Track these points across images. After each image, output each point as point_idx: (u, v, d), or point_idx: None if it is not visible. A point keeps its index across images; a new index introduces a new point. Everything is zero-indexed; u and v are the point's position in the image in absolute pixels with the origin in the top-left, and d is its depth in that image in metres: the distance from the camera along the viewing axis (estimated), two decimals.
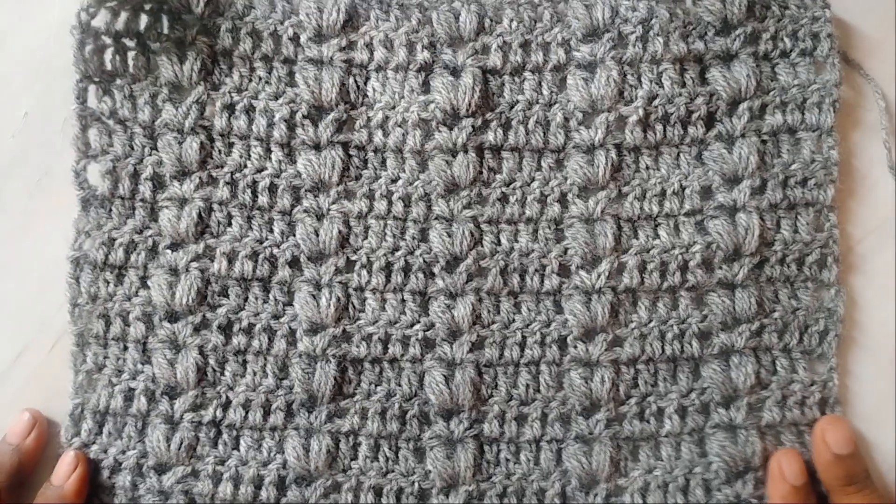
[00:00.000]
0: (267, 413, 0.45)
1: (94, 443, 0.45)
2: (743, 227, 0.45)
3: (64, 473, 0.44)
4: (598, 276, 0.45)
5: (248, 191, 0.46)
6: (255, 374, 0.45)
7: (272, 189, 0.46)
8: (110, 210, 0.45)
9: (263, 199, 0.46)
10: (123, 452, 0.45)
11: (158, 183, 0.46)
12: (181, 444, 0.44)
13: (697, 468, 0.45)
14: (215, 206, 0.46)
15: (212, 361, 0.45)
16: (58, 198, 0.47)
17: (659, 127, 0.46)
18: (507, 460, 0.45)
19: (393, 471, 0.45)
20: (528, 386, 0.45)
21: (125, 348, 0.45)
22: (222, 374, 0.45)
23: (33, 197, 0.48)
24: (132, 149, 0.46)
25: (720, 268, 0.45)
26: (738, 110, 0.46)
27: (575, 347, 0.45)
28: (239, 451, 0.45)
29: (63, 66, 0.46)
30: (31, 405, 0.47)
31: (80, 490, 0.44)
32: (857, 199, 0.48)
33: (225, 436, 0.45)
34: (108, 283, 0.45)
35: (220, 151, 0.46)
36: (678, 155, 0.46)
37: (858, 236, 0.47)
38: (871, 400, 0.46)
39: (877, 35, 0.48)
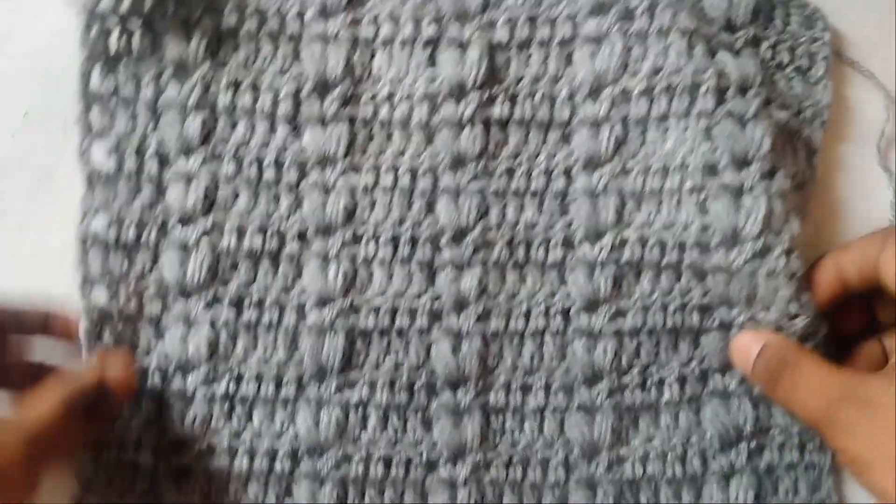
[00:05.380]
0: (279, 386, 0.46)
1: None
2: (747, 209, 0.45)
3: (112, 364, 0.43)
4: (601, 248, 0.46)
5: (254, 166, 0.46)
6: (266, 347, 0.46)
7: (278, 164, 0.46)
8: (117, 188, 0.46)
9: (269, 174, 0.46)
10: (145, 428, 0.45)
11: (164, 160, 0.46)
12: (195, 418, 0.45)
13: (694, 437, 0.46)
14: (221, 182, 0.46)
15: (223, 336, 0.46)
16: (58, 198, 0.47)
17: (664, 98, 0.46)
18: (513, 430, 0.46)
19: (402, 441, 0.46)
20: (532, 356, 0.46)
21: (138, 327, 0.46)
22: (234, 348, 0.46)
23: (33, 197, 0.48)
24: (135, 127, 0.46)
25: (717, 251, 0.45)
26: (748, 94, 0.45)
27: (579, 318, 0.46)
28: (252, 423, 0.46)
29: (63, 66, 0.46)
30: None
31: (130, 383, 0.44)
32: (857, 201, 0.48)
33: (238, 409, 0.46)
34: (120, 261, 0.46)
35: (223, 128, 0.46)
36: (686, 128, 0.46)
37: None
38: None
39: (877, 35, 0.48)
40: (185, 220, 0.46)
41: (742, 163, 0.45)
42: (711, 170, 0.46)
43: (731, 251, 0.45)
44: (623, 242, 0.46)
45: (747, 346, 0.44)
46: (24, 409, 0.41)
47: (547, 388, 0.46)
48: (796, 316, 0.43)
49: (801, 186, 0.46)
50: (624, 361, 0.46)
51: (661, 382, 0.46)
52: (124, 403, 0.45)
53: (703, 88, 0.46)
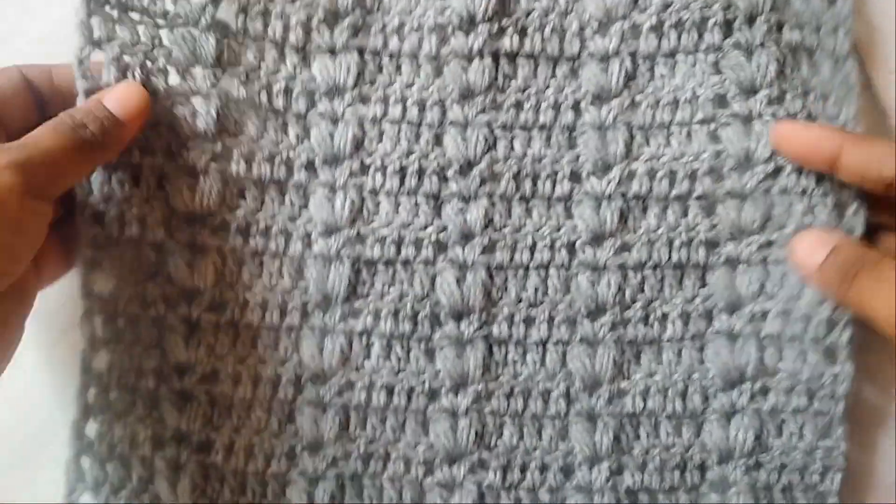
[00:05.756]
0: (283, 314, 0.46)
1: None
2: (757, 133, 0.45)
3: (127, 101, 0.42)
4: (609, 182, 0.46)
5: (264, 93, 0.46)
6: (271, 275, 0.46)
7: (287, 92, 0.46)
8: None
9: (278, 102, 0.46)
10: (147, 352, 0.46)
11: (168, 77, 0.45)
12: (199, 344, 0.46)
13: (696, 374, 0.46)
14: (231, 106, 0.46)
15: (230, 263, 0.46)
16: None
17: (673, 34, 0.46)
18: (515, 362, 0.46)
19: (404, 370, 0.46)
20: (536, 289, 0.46)
21: (141, 251, 0.45)
22: (240, 275, 0.46)
23: None
24: (140, 40, 0.45)
25: (729, 177, 0.45)
26: (756, 23, 0.45)
27: (583, 252, 0.46)
28: (256, 350, 0.46)
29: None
30: (32, 405, 0.47)
31: (141, 111, 0.43)
32: None
33: (243, 336, 0.46)
34: (124, 184, 0.45)
35: (234, 52, 0.46)
36: (695, 63, 0.46)
37: None
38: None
39: (877, 35, 0.48)
40: (194, 145, 0.45)
41: (750, 91, 0.45)
42: (721, 101, 0.46)
43: (744, 175, 0.45)
44: (631, 175, 0.46)
45: (816, 243, 0.43)
46: (23, 139, 0.39)
47: (550, 320, 0.46)
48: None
49: (826, 97, 0.45)
50: (627, 296, 0.46)
51: (664, 318, 0.46)
52: (137, 132, 0.43)
53: (710, 23, 0.46)
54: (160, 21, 0.45)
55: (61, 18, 0.45)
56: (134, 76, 0.44)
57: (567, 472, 0.46)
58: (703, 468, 0.46)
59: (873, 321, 0.41)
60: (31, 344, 0.45)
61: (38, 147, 0.39)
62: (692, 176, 0.46)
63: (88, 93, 0.43)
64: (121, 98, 0.43)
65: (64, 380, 0.47)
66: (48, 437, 0.47)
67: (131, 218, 0.45)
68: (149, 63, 0.44)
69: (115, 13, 0.45)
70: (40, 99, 0.43)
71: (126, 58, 0.44)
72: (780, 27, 0.46)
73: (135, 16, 0.45)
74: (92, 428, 0.45)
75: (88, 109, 0.41)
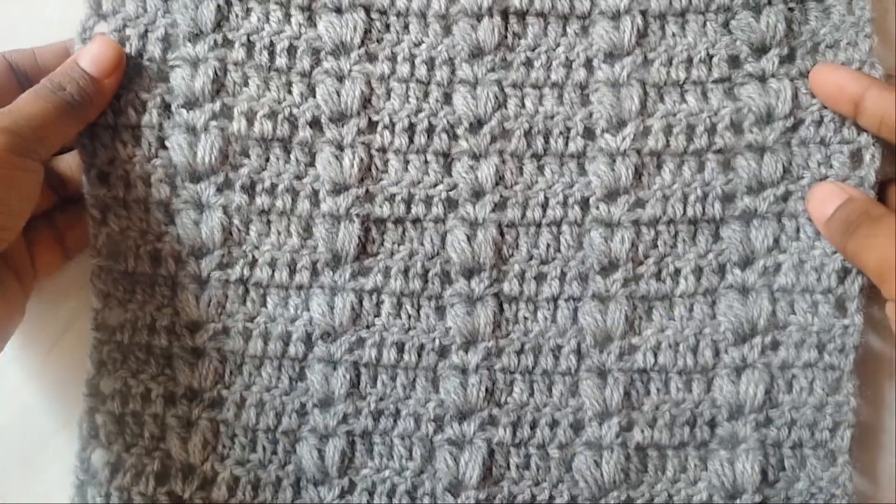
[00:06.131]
0: (293, 272, 0.46)
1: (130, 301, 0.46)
2: (775, 91, 0.45)
3: (100, 58, 0.44)
4: (623, 138, 0.46)
5: (265, 52, 0.46)
6: (279, 233, 0.46)
7: (291, 51, 0.46)
8: None
9: (281, 61, 0.46)
10: (159, 310, 0.46)
11: (168, 45, 0.45)
12: (210, 301, 0.46)
13: (707, 329, 0.46)
14: (230, 67, 0.46)
15: (236, 221, 0.46)
16: None
17: None
18: (526, 318, 0.46)
19: (415, 328, 0.46)
20: (548, 246, 0.46)
21: (147, 210, 0.45)
22: (247, 233, 0.46)
23: None
24: (145, 11, 0.45)
25: (750, 131, 0.46)
26: None
27: (597, 208, 0.46)
28: (266, 308, 0.46)
29: None
30: (31, 405, 0.47)
31: (117, 64, 0.44)
32: None
33: (252, 293, 0.46)
34: (126, 144, 0.45)
35: (237, 16, 0.46)
36: (705, 23, 0.46)
37: None
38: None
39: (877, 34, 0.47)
40: (191, 104, 0.45)
41: (761, 50, 0.46)
42: (734, 61, 0.46)
43: (764, 129, 0.46)
44: (647, 131, 0.46)
45: (828, 196, 0.44)
46: (9, 106, 0.41)
47: (562, 277, 0.46)
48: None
49: (837, 43, 0.46)
50: (640, 251, 0.46)
51: (676, 273, 0.46)
52: (115, 86, 0.44)
53: None
54: None
55: (61, 18, 0.46)
56: (131, 46, 0.45)
57: (577, 428, 0.46)
58: (712, 424, 0.46)
59: (865, 272, 0.43)
60: (30, 343, 0.45)
61: (21, 112, 0.41)
62: (712, 130, 0.46)
63: None
64: (94, 56, 0.44)
65: (64, 379, 0.47)
66: (48, 437, 0.47)
67: (135, 178, 0.45)
68: (149, 33, 0.45)
69: None
70: (25, 80, 0.44)
71: (128, 30, 0.45)
72: None
73: None
74: (106, 385, 0.45)
75: (65, 72, 0.43)
